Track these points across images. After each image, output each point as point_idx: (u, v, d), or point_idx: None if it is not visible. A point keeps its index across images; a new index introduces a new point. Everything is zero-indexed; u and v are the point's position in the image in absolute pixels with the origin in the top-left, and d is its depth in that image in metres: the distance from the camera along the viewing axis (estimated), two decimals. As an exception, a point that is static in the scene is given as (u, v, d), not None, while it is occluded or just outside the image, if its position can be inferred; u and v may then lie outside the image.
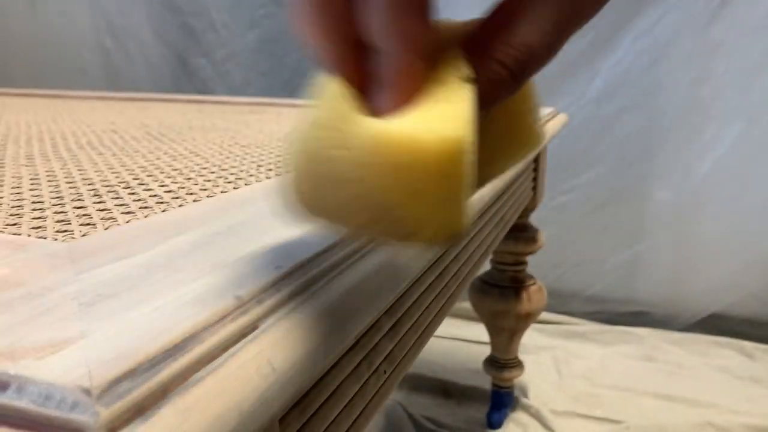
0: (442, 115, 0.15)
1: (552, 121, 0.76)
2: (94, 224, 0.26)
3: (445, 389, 1.04)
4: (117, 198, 0.31)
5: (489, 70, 0.17)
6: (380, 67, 0.16)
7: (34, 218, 0.28)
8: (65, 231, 0.25)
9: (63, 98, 1.04)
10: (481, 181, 0.20)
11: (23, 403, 0.13)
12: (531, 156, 0.21)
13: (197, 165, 0.41)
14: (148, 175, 0.37)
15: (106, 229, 0.26)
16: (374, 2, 0.16)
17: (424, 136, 0.15)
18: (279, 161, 0.43)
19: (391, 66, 0.16)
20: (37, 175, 0.38)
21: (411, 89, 0.16)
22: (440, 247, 0.18)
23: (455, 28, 0.19)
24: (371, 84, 0.17)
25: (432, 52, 0.17)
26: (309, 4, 0.17)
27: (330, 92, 0.17)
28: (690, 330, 1.24)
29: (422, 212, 0.16)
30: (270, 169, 0.40)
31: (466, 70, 0.17)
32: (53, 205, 0.30)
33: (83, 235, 0.25)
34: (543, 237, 0.90)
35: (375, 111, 0.16)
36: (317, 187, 0.17)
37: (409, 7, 0.16)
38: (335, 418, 0.26)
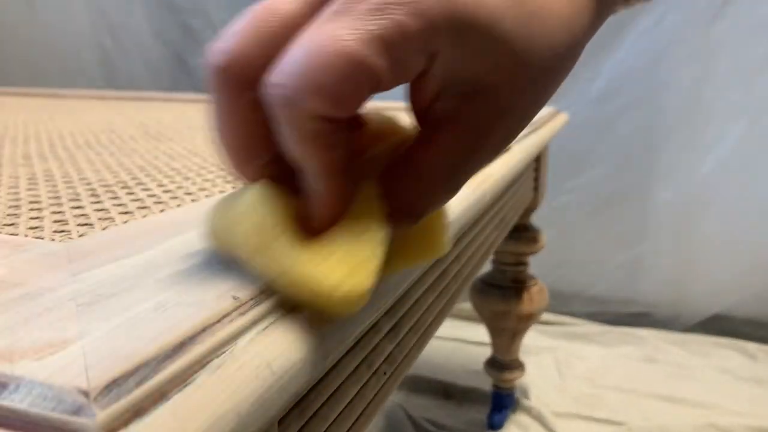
0: (352, 262, 0.18)
1: (552, 120, 0.76)
2: (91, 224, 0.26)
3: (446, 390, 1.04)
4: (115, 198, 0.31)
5: (393, 212, 0.19)
6: (305, 184, 0.18)
7: (31, 218, 0.27)
8: (63, 231, 0.25)
9: (61, 97, 1.04)
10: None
11: (21, 405, 0.13)
12: (430, 262, 0.25)
13: (196, 165, 0.41)
14: (146, 175, 0.37)
15: (104, 229, 0.25)
16: (287, 134, 0.17)
17: (333, 286, 0.17)
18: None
19: (313, 190, 0.18)
20: (34, 175, 0.37)
21: (334, 207, 0.18)
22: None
23: (376, 147, 0.20)
24: (299, 190, 0.19)
25: (353, 176, 0.19)
26: (223, 126, 0.19)
27: (259, 194, 0.18)
28: (692, 331, 1.24)
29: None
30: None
31: (380, 205, 0.19)
32: (50, 205, 0.30)
33: (81, 236, 0.24)
34: (544, 237, 0.90)
35: (303, 216, 0.18)
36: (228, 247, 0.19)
37: (327, 142, 0.17)
38: (335, 419, 0.26)
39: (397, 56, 0.17)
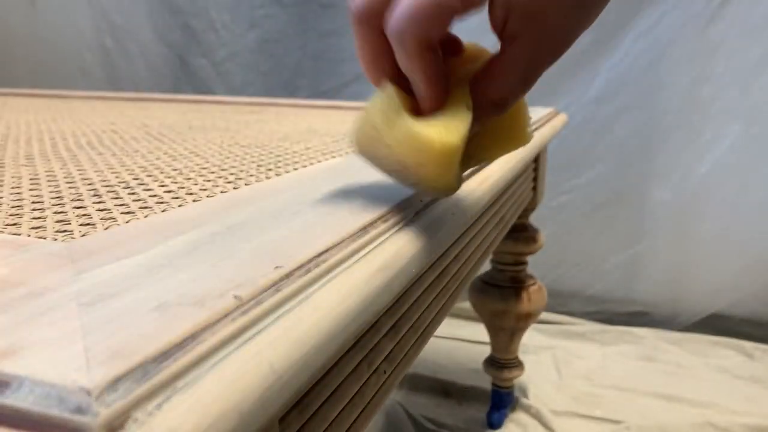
0: (447, 127, 0.25)
1: (552, 121, 0.76)
2: (93, 224, 0.26)
3: (445, 389, 1.04)
4: (117, 198, 0.31)
5: (481, 103, 0.27)
6: (414, 89, 0.27)
7: (33, 218, 0.28)
8: (65, 231, 0.25)
9: (63, 98, 1.04)
10: (478, 161, 0.31)
11: (23, 403, 0.13)
12: (518, 149, 0.31)
13: (197, 165, 0.41)
14: (148, 175, 0.38)
15: (106, 229, 0.26)
16: (400, 54, 0.26)
17: (434, 137, 0.25)
18: (279, 161, 0.43)
19: (419, 90, 0.27)
20: (36, 175, 0.38)
21: (434, 102, 0.27)
22: (436, 195, 0.31)
23: (468, 66, 0.29)
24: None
25: (446, 82, 0.27)
26: (361, 50, 0.28)
27: (387, 91, 0.27)
28: (690, 330, 1.24)
29: (425, 176, 0.26)
30: (270, 169, 0.40)
31: (469, 99, 0.27)
32: (53, 205, 0.30)
33: (83, 235, 0.25)
34: (543, 237, 0.90)
35: (415, 108, 0.27)
36: (370, 142, 0.28)
37: (425, 58, 0.26)
38: (335, 418, 0.26)
39: None
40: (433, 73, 0.26)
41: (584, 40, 1.21)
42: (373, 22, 0.27)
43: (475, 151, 0.29)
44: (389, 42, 0.26)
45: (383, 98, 0.27)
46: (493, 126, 0.29)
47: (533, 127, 0.65)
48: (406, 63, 0.26)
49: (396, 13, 0.25)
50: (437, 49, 0.27)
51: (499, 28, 0.27)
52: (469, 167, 0.31)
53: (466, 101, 0.27)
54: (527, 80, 0.28)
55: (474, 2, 0.26)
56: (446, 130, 0.25)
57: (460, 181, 0.28)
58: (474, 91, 0.27)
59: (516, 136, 0.30)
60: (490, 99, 0.27)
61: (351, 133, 0.28)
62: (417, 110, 0.27)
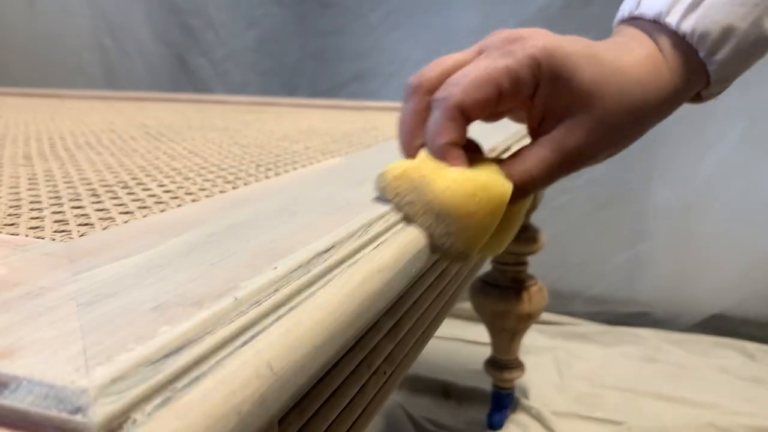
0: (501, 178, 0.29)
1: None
2: (92, 224, 0.26)
3: (446, 390, 1.04)
4: (115, 198, 0.31)
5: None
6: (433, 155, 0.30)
7: (32, 218, 0.27)
8: (63, 231, 0.25)
9: (61, 97, 1.04)
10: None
11: (21, 404, 0.13)
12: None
13: (196, 165, 0.41)
14: (147, 175, 0.37)
15: (105, 229, 0.26)
16: (434, 117, 0.29)
17: (494, 183, 0.28)
18: (279, 161, 0.43)
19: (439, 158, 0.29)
20: (35, 175, 0.37)
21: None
22: (465, 249, 0.28)
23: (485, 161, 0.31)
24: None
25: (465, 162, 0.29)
26: (404, 120, 0.31)
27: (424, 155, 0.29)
28: (692, 331, 1.24)
29: (467, 224, 0.27)
30: (269, 169, 0.40)
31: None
32: (51, 205, 0.30)
33: (81, 235, 0.25)
34: (544, 237, 0.90)
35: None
36: (412, 188, 0.27)
37: (456, 121, 0.29)
38: (335, 419, 0.26)
39: (515, 79, 0.28)
40: (457, 138, 0.29)
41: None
42: (424, 95, 0.30)
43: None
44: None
45: (424, 158, 0.29)
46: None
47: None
48: (434, 126, 0.28)
49: (447, 81, 0.29)
50: (467, 124, 0.29)
51: (534, 126, 0.31)
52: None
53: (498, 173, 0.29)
54: (547, 179, 0.31)
55: (520, 92, 0.29)
56: (503, 180, 0.28)
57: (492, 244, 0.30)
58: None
59: (498, 239, 0.31)
60: (515, 179, 0.29)
61: (387, 179, 0.28)
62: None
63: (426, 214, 0.27)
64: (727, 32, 0.30)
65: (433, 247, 0.27)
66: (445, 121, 0.28)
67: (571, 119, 0.30)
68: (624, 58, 0.30)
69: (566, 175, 0.31)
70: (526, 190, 0.30)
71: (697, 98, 0.35)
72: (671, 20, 0.31)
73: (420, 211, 0.27)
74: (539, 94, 0.29)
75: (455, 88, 0.28)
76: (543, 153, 0.30)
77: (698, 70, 0.32)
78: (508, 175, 0.29)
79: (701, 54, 0.31)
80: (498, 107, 0.29)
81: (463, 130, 0.29)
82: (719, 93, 0.35)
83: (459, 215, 0.26)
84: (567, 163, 0.30)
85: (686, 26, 0.31)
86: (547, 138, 0.30)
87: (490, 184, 0.27)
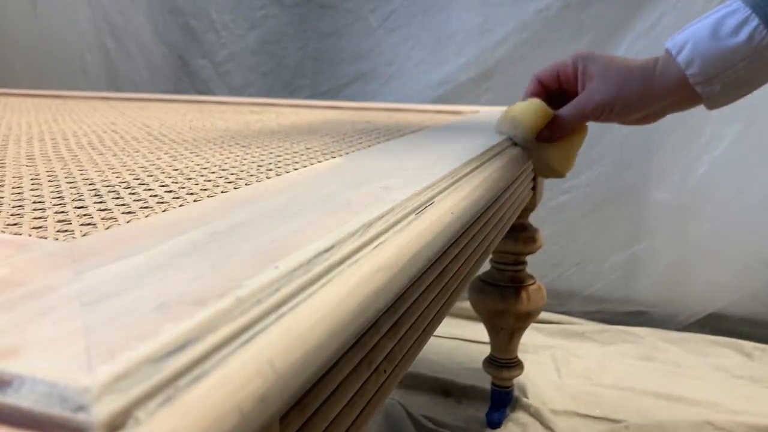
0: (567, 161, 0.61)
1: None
2: (94, 224, 0.26)
3: (445, 388, 1.04)
4: (118, 198, 0.32)
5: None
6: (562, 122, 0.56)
7: (35, 218, 0.28)
8: (66, 231, 0.25)
9: (64, 98, 1.04)
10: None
11: (24, 402, 0.13)
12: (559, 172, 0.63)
13: (198, 165, 0.41)
14: (149, 175, 0.38)
15: (107, 228, 0.26)
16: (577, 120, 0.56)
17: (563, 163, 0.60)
18: (279, 161, 0.43)
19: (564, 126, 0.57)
20: (38, 175, 0.38)
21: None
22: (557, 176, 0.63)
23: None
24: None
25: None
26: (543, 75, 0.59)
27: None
28: (689, 329, 1.24)
29: (557, 160, 0.60)
30: (270, 169, 0.40)
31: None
32: (54, 205, 0.30)
33: (84, 235, 0.25)
34: (542, 237, 0.90)
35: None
36: (504, 115, 0.58)
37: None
38: (335, 417, 0.26)
39: (563, 64, 0.57)
40: (533, 90, 0.59)
41: (584, 40, 1.21)
42: (540, 83, 0.59)
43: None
44: (540, 92, 0.58)
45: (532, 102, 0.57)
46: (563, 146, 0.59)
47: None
48: (559, 130, 0.56)
49: (569, 115, 0.55)
50: (542, 86, 0.59)
51: (581, 83, 0.55)
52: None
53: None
54: (578, 114, 0.55)
55: (569, 73, 0.57)
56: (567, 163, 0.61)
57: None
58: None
59: (561, 164, 0.61)
60: (560, 115, 0.55)
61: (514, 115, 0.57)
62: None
63: (509, 123, 0.56)
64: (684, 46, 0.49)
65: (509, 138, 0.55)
66: (532, 82, 0.58)
67: (587, 88, 0.54)
68: (624, 60, 0.53)
69: (592, 117, 0.55)
70: (564, 121, 0.55)
71: (700, 99, 0.50)
72: (669, 44, 0.50)
73: (506, 121, 0.56)
74: (578, 77, 0.55)
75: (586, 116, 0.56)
76: (574, 103, 0.55)
77: (674, 72, 0.49)
78: (558, 113, 0.56)
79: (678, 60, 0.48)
80: (562, 83, 0.57)
81: (539, 88, 0.58)
82: (719, 98, 0.49)
83: (522, 117, 0.55)
84: (586, 108, 0.53)
85: (669, 44, 0.50)
86: (576, 97, 0.55)
87: (539, 106, 0.55)
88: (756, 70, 0.43)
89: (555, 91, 0.58)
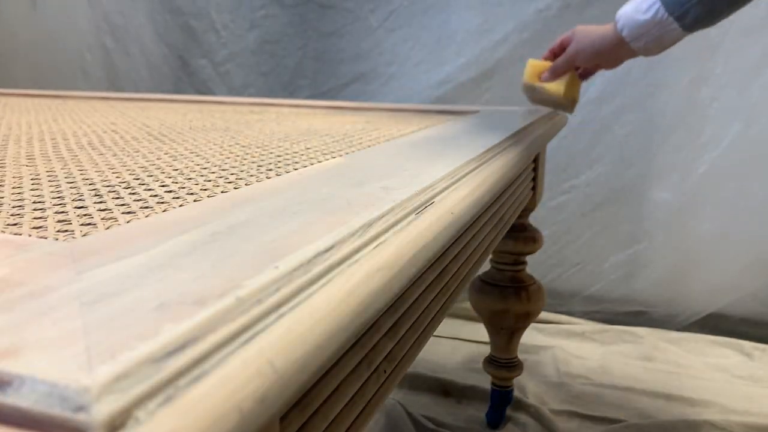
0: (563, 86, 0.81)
1: (551, 121, 0.76)
2: (94, 224, 0.26)
3: (445, 388, 1.04)
4: (118, 198, 0.32)
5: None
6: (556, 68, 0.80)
7: (35, 218, 0.28)
8: (66, 231, 0.25)
9: (64, 98, 1.04)
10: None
11: (24, 402, 0.13)
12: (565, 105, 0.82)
13: (198, 165, 0.41)
14: (149, 175, 0.38)
15: (107, 228, 0.26)
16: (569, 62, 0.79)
17: (560, 92, 0.80)
18: (280, 161, 0.43)
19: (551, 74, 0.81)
20: (38, 175, 0.38)
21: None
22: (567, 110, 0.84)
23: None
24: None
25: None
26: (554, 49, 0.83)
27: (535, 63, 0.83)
28: (689, 329, 1.24)
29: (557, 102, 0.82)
30: (270, 169, 0.40)
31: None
32: (54, 205, 0.30)
33: (84, 235, 0.25)
34: (542, 237, 0.90)
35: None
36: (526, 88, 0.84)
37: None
38: (335, 416, 0.26)
39: (563, 39, 0.80)
40: (547, 56, 0.82)
41: (584, 40, 1.21)
42: (553, 53, 0.80)
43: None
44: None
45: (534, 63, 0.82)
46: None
47: (532, 127, 0.66)
48: (554, 72, 0.79)
49: (559, 61, 0.78)
50: (552, 55, 0.82)
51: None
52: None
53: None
54: (566, 61, 0.77)
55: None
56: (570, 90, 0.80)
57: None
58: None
59: (565, 99, 0.79)
60: (555, 62, 0.78)
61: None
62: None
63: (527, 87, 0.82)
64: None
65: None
66: (548, 51, 0.81)
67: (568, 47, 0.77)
68: (592, 27, 0.75)
69: (570, 61, 0.77)
70: (556, 64, 0.78)
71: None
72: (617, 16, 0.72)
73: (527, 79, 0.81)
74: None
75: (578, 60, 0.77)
76: (564, 55, 0.77)
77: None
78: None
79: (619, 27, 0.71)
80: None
81: (552, 56, 0.80)
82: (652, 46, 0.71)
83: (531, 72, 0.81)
84: (567, 55, 0.76)
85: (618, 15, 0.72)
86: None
87: (535, 63, 0.81)
88: (663, 34, 0.67)
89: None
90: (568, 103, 0.79)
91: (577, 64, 0.77)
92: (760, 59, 1.12)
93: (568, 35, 0.78)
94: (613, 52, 0.72)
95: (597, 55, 0.73)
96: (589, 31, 0.75)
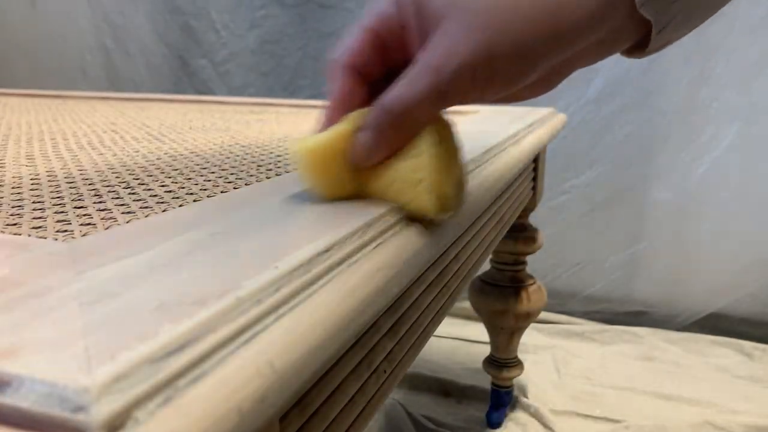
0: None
1: (551, 121, 0.76)
2: (94, 224, 0.26)
3: (445, 388, 1.04)
4: (117, 198, 0.32)
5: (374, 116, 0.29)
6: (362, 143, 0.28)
7: (34, 218, 0.28)
8: (66, 231, 0.25)
9: (64, 98, 1.04)
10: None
11: (23, 402, 0.13)
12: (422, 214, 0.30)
13: (197, 165, 0.41)
14: (149, 175, 0.38)
15: (107, 228, 0.26)
16: (390, 124, 0.27)
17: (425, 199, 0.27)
18: (279, 161, 0.43)
19: (369, 150, 0.28)
20: (37, 175, 0.38)
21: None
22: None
23: None
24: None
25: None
26: (334, 93, 0.30)
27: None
28: (689, 329, 1.24)
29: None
30: (270, 169, 0.40)
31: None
32: (54, 205, 0.30)
33: (84, 235, 0.25)
34: (542, 237, 0.90)
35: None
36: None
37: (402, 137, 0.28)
38: (335, 417, 0.26)
39: (383, 18, 0.29)
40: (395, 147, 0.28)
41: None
42: (357, 73, 0.29)
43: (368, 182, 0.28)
44: (359, 93, 0.29)
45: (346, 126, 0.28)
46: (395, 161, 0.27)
47: (532, 127, 0.65)
48: (386, 135, 0.27)
49: (407, 93, 0.26)
50: (362, 79, 0.31)
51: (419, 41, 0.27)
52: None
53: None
54: (432, 94, 0.26)
55: (398, 33, 0.29)
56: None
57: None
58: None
59: (417, 194, 0.26)
60: (382, 104, 0.27)
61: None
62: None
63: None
64: None
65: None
66: (336, 75, 0.30)
67: (433, 42, 0.26)
68: None
69: (453, 91, 0.26)
70: (393, 111, 0.26)
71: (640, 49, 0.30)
72: None
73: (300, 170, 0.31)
74: (412, 33, 0.27)
75: (414, 107, 0.27)
76: (415, 72, 0.26)
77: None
78: (379, 106, 0.27)
79: None
80: (389, 54, 0.29)
81: (353, 83, 0.30)
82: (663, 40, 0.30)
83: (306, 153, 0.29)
84: (441, 74, 0.25)
85: None
86: (416, 64, 0.26)
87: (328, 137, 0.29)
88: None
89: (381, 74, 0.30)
90: (444, 211, 0.28)
91: (480, 94, 0.27)
92: (760, 59, 1.12)
93: (399, 17, 0.28)
94: (581, 37, 0.25)
95: (549, 53, 0.26)
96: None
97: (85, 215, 0.28)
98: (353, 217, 0.26)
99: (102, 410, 0.12)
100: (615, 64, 1.21)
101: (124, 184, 0.35)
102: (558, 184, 1.28)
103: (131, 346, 0.14)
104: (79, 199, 0.31)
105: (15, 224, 0.27)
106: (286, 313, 0.18)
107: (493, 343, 0.94)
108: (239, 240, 0.23)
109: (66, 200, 0.31)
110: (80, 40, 1.65)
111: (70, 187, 0.34)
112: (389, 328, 0.32)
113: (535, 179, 0.82)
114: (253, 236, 0.24)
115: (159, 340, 0.15)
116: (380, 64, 0.29)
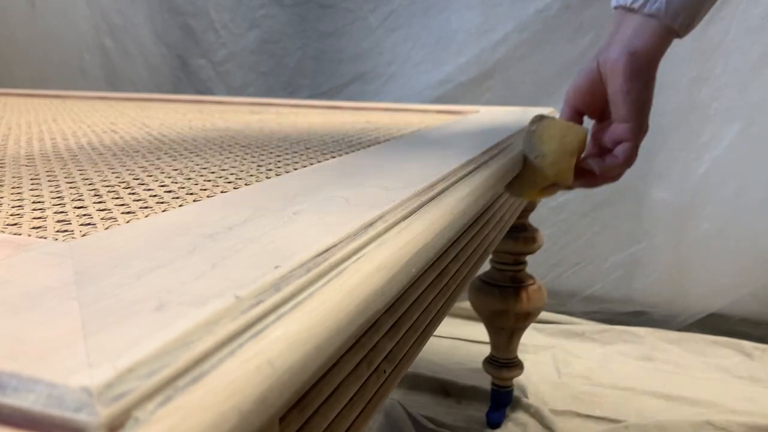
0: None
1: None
2: (94, 224, 0.26)
3: (445, 388, 1.04)
4: (117, 198, 0.31)
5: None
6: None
7: (34, 218, 0.28)
8: (65, 231, 0.25)
9: (63, 98, 1.04)
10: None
11: (24, 403, 0.13)
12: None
13: (197, 165, 0.41)
14: (149, 175, 0.38)
15: (107, 228, 0.26)
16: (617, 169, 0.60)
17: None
18: (279, 161, 0.43)
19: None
20: (37, 175, 0.38)
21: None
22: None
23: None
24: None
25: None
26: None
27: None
28: (689, 329, 1.24)
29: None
30: (270, 169, 0.40)
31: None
32: (54, 205, 0.30)
33: (83, 235, 0.25)
34: (542, 237, 0.90)
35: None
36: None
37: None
38: (335, 417, 0.26)
39: (588, 71, 0.55)
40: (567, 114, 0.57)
41: (584, 40, 1.21)
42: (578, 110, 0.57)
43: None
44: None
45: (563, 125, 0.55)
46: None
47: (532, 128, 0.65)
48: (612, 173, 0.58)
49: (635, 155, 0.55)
50: (576, 111, 0.58)
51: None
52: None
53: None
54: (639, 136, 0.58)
55: (597, 83, 0.55)
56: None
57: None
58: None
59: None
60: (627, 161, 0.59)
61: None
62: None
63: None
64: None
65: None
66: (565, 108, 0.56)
67: (621, 92, 0.51)
68: (611, 40, 0.53)
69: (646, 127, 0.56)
70: (629, 163, 0.59)
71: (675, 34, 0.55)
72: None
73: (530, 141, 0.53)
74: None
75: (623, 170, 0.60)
76: (621, 123, 0.56)
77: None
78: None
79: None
80: (594, 97, 0.53)
81: (571, 112, 0.56)
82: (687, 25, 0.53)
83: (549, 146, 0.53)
84: (643, 121, 0.56)
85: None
86: (621, 112, 0.54)
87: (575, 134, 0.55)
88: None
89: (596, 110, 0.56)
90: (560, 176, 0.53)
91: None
92: (760, 59, 1.12)
93: (599, 72, 0.50)
94: (659, 52, 0.53)
95: (640, 74, 0.50)
96: (621, 50, 0.49)
97: (85, 215, 0.28)
98: (353, 218, 0.26)
99: (102, 410, 0.12)
100: (615, 64, 1.21)
101: (124, 184, 0.35)
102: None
103: (131, 346, 0.14)
104: (79, 199, 0.31)
105: (15, 224, 0.27)
106: (286, 313, 0.18)
107: (493, 343, 0.94)
108: (239, 240, 0.23)
109: (66, 200, 0.31)
110: (79, 39, 1.65)
111: (70, 187, 0.34)
112: (389, 328, 0.32)
113: (535, 179, 0.82)
114: (253, 236, 0.24)
115: (159, 340, 0.15)
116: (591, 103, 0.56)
